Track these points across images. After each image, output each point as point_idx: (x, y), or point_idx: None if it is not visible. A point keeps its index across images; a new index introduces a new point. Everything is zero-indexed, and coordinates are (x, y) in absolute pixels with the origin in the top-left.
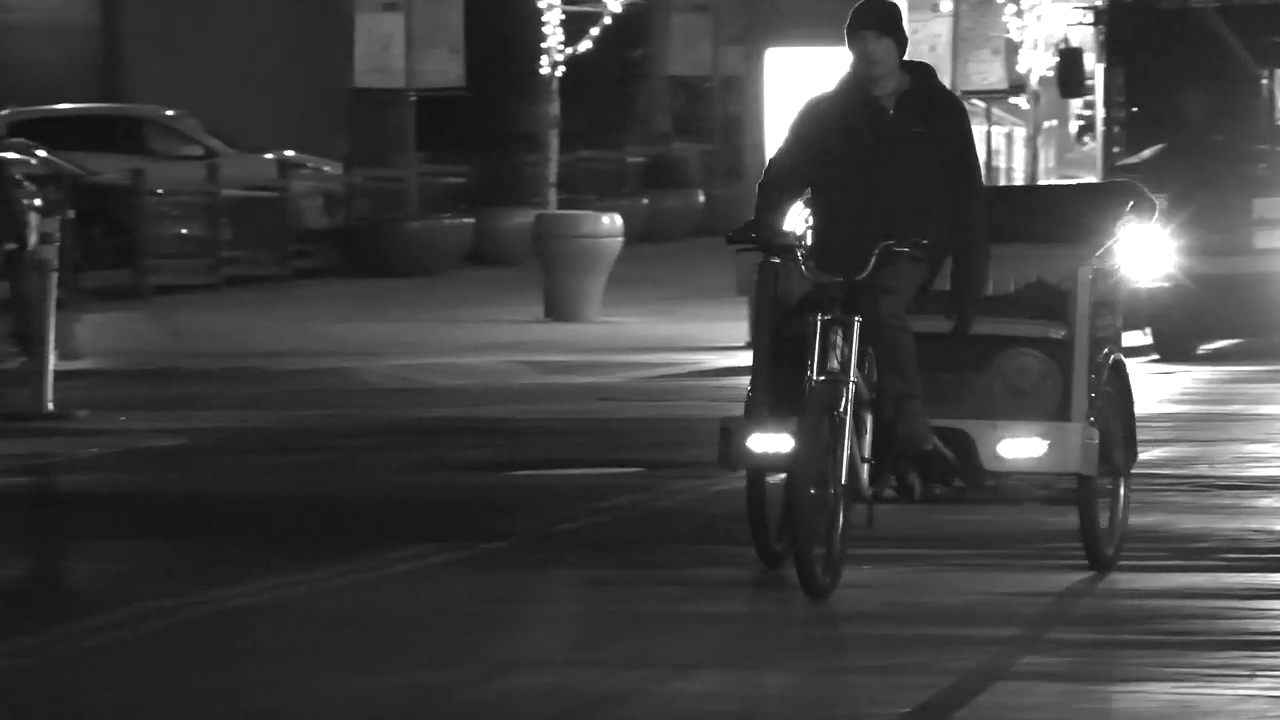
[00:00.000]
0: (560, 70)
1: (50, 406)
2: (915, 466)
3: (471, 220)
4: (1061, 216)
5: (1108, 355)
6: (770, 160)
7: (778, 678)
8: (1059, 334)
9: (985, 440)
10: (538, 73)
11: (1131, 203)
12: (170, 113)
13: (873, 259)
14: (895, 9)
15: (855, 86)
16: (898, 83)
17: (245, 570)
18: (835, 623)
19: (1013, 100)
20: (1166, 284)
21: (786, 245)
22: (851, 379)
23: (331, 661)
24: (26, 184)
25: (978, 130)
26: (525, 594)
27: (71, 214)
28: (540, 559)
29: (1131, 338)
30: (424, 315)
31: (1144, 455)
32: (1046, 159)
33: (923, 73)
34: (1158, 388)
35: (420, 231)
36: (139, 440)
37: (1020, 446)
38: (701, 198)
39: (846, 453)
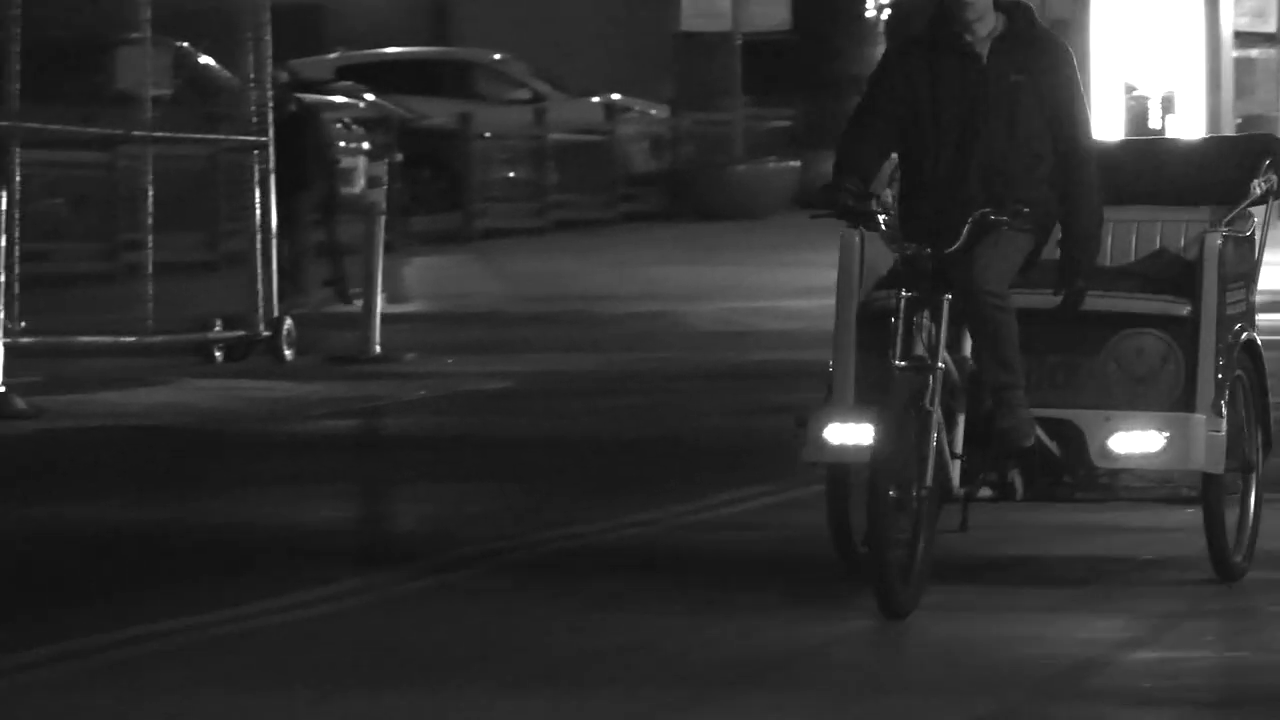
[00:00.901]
0: (885, 13)
1: (378, 349)
2: (1016, 463)
3: (797, 164)
4: (1188, 175)
5: (1239, 334)
6: (850, 117)
7: (1116, 621)
8: (1183, 310)
9: (1096, 433)
10: (863, 15)
11: (1269, 159)
12: (498, 56)
13: (966, 228)
14: None
15: (945, 31)
16: (993, 25)
17: (570, 513)
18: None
19: None
20: None
21: (867, 211)
22: (940, 364)
23: (661, 605)
24: (355, 128)
25: None
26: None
27: (400, 158)
28: None
29: None
30: (749, 259)
31: None
32: None
33: (1021, 13)
34: None
35: (746, 175)
36: (465, 383)
37: (1136, 440)
38: None
39: (934, 449)
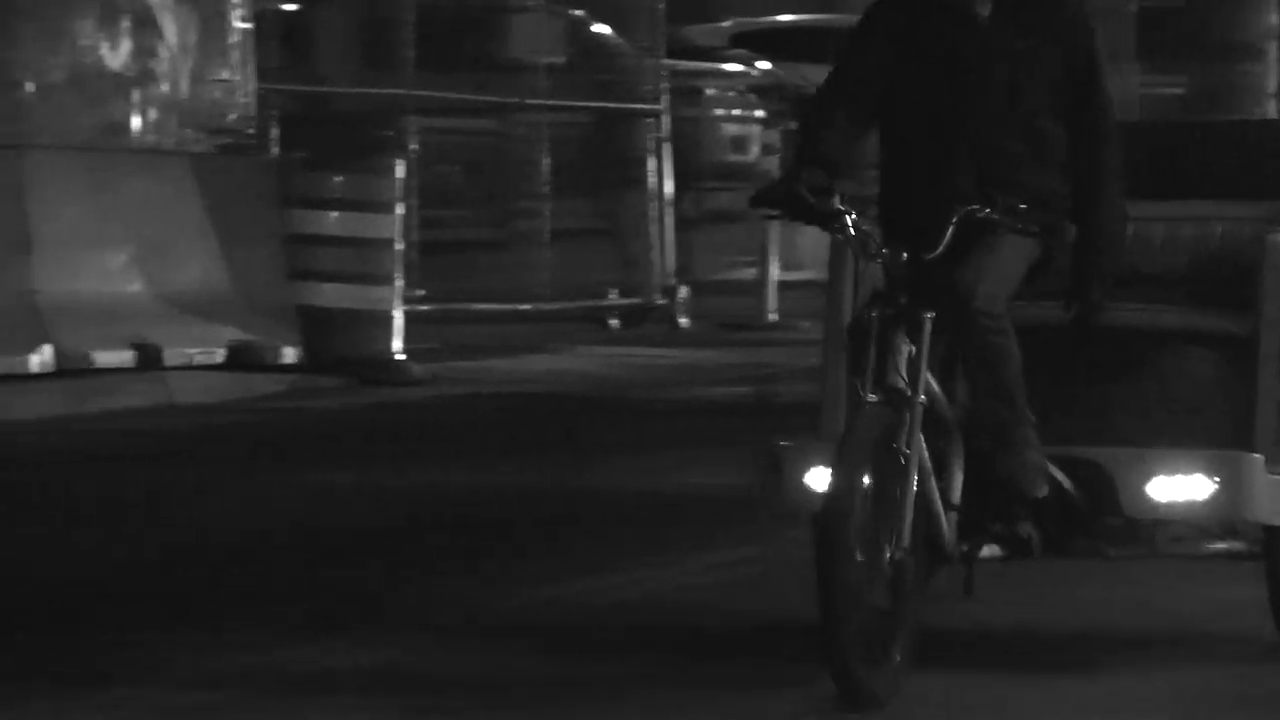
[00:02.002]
0: None
1: (773, 316)
2: (1030, 514)
3: None
4: (1249, 164)
5: None
6: (817, 91)
7: None
8: (1240, 327)
9: (1129, 477)
10: None
11: None
12: None
13: (949, 229)
14: None
15: None
16: None
17: None
18: None
19: None
20: None
21: (828, 210)
22: (921, 397)
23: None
24: (748, 96)
25: None
26: None
27: (793, 125)
28: None
29: None
30: None
31: None
32: None
33: None
34: None
35: None
36: None
37: (1178, 485)
38: None
39: (910, 499)
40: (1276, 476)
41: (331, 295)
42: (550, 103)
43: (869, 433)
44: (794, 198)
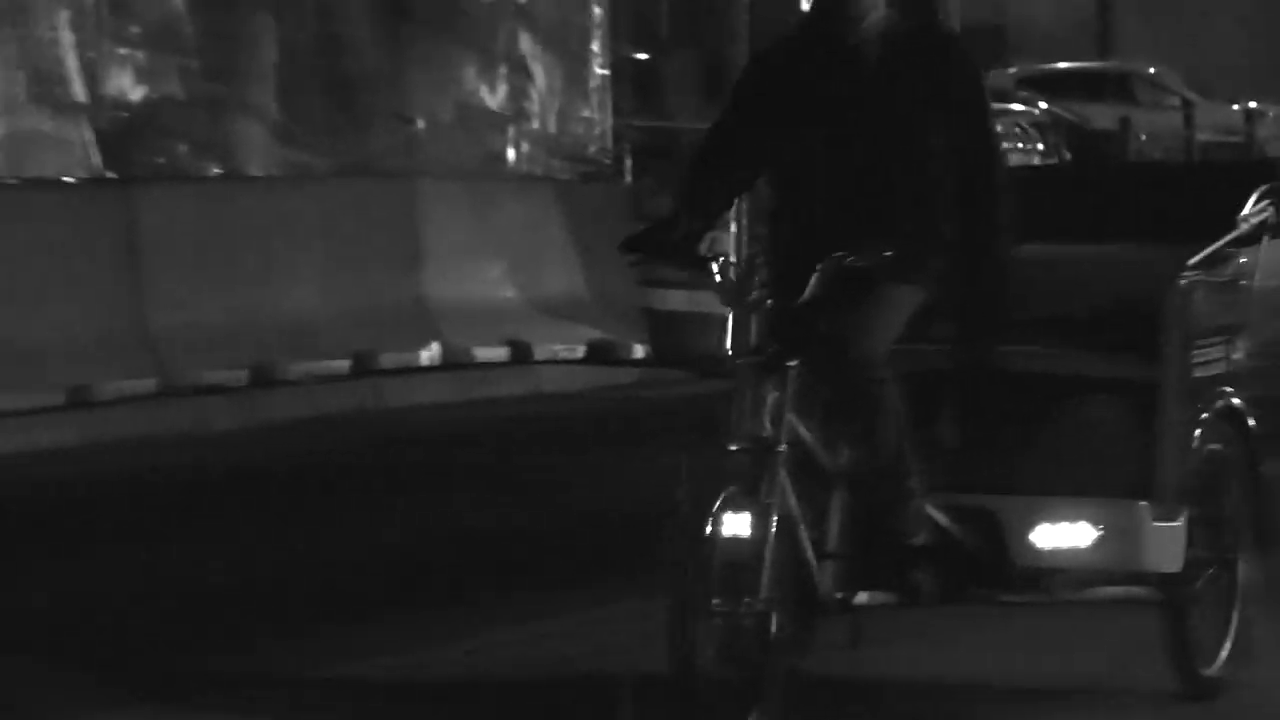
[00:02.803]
0: None
1: None
2: (919, 560)
3: None
4: (1162, 207)
5: (1215, 400)
6: (700, 141)
7: None
8: (1142, 373)
9: (1017, 525)
10: None
11: (1268, 186)
12: (1154, 69)
13: (815, 276)
14: None
15: (821, 28)
16: (883, 22)
17: None
18: None
19: None
20: None
21: (692, 254)
22: (782, 446)
23: None
24: (1030, 131)
25: None
26: None
27: (1067, 155)
28: None
29: None
30: None
31: None
32: None
33: (918, 9)
34: None
35: None
36: None
37: (1064, 534)
38: None
39: (769, 549)
40: (1167, 524)
41: (674, 300)
42: None
43: (728, 481)
44: (663, 244)
